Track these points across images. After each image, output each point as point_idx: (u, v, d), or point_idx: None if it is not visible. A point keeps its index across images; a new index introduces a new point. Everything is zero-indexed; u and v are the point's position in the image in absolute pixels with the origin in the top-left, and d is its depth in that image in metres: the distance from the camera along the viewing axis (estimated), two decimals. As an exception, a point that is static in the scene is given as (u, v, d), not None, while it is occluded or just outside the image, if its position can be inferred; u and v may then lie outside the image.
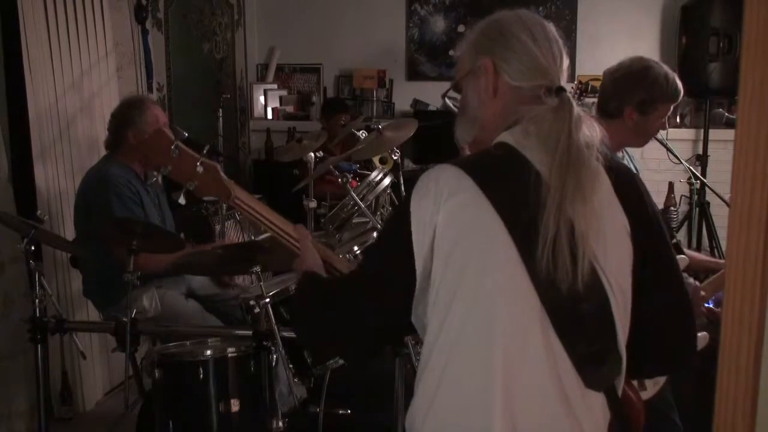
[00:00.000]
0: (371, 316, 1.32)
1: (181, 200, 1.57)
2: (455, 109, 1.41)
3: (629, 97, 2.30)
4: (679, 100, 2.35)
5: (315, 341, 1.47)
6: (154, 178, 2.98)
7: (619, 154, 2.50)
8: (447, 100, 1.42)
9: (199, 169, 1.47)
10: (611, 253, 1.23)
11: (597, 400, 1.25)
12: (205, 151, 1.52)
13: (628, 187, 1.31)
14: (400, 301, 1.27)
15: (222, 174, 1.51)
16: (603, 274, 1.21)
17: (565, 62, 1.33)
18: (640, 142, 2.43)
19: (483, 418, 1.19)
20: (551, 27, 1.34)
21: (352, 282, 1.37)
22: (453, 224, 1.21)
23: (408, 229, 1.23)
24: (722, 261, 2.58)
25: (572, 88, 3.43)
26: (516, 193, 1.20)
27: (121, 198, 2.99)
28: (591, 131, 1.24)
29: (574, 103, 1.25)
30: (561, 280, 1.17)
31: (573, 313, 1.19)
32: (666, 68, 2.33)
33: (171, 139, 1.47)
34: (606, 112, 2.36)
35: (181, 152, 1.46)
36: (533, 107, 1.25)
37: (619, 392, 1.30)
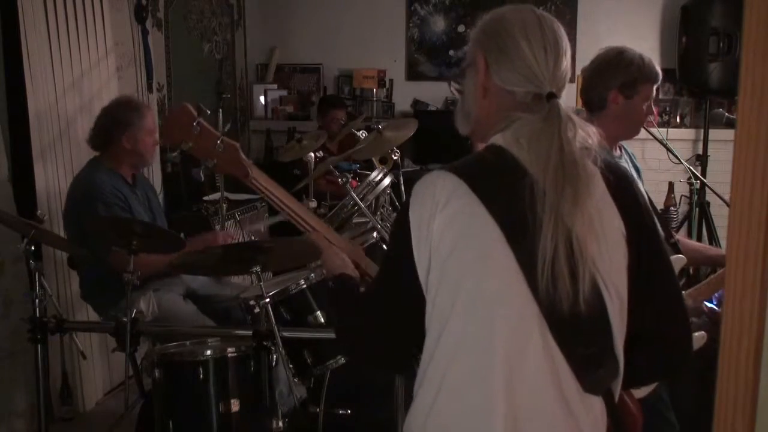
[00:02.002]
0: (393, 331, 1.32)
1: (201, 176, 1.61)
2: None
3: (610, 83, 2.31)
4: (659, 81, 2.34)
5: (351, 355, 1.49)
6: (174, 153, 2.96)
7: (617, 153, 2.49)
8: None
9: (219, 147, 1.49)
10: (607, 255, 1.22)
11: (595, 404, 1.25)
12: (225, 129, 1.55)
13: (623, 189, 1.30)
14: (416, 312, 1.26)
15: (241, 153, 1.52)
16: (600, 278, 1.21)
17: (564, 64, 1.29)
18: (631, 130, 2.42)
19: (485, 424, 1.19)
20: (553, 26, 1.30)
21: (371, 299, 1.37)
22: (450, 231, 1.20)
23: (409, 241, 1.23)
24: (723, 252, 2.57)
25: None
26: (512, 201, 1.19)
27: (108, 206, 2.97)
28: (586, 132, 1.23)
29: (564, 110, 1.23)
30: (562, 299, 1.17)
31: (570, 317, 1.19)
32: (640, 53, 2.33)
33: (194, 115, 1.49)
34: (591, 106, 2.36)
35: (203, 129, 1.48)
36: (524, 115, 1.24)
37: (617, 396, 1.29)
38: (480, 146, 1.35)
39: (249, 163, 1.54)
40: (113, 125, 3.08)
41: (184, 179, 3.87)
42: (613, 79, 2.31)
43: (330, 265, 1.55)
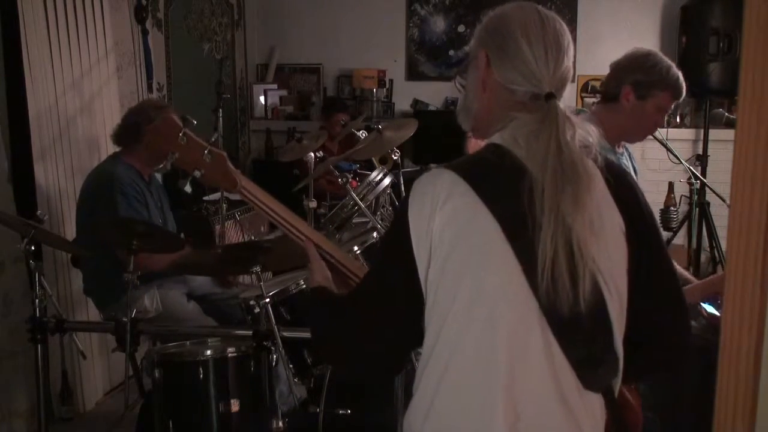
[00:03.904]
0: (384, 333, 1.30)
1: (187, 188, 1.58)
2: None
3: (627, 77, 2.31)
4: (681, 98, 2.33)
5: (334, 362, 1.46)
6: (163, 165, 2.97)
7: (620, 150, 2.48)
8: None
9: (207, 157, 1.47)
10: (607, 254, 1.22)
11: (595, 401, 1.25)
12: (213, 140, 1.53)
13: (623, 187, 1.30)
14: (411, 312, 1.25)
15: (229, 163, 1.51)
16: (600, 277, 1.21)
17: (565, 64, 1.30)
18: (636, 133, 2.40)
19: (486, 420, 1.19)
20: (555, 26, 1.30)
21: (361, 299, 1.35)
22: (450, 228, 1.20)
23: (408, 239, 1.23)
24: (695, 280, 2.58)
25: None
26: (512, 199, 1.19)
27: (126, 197, 3.00)
28: (586, 131, 1.24)
29: (561, 110, 1.23)
30: (562, 299, 1.17)
31: (570, 316, 1.19)
32: (672, 64, 2.33)
33: (179, 126, 1.47)
34: (606, 96, 2.36)
35: (189, 140, 1.47)
36: (521, 115, 1.25)
37: (616, 392, 1.30)
38: (473, 144, 1.35)
39: (237, 172, 1.52)
40: (142, 123, 3.09)
41: (172, 191, 3.88)
42: (631, 74, 2.31)
43: (312, 277, 1.53)
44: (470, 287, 1.20)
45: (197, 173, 1.49)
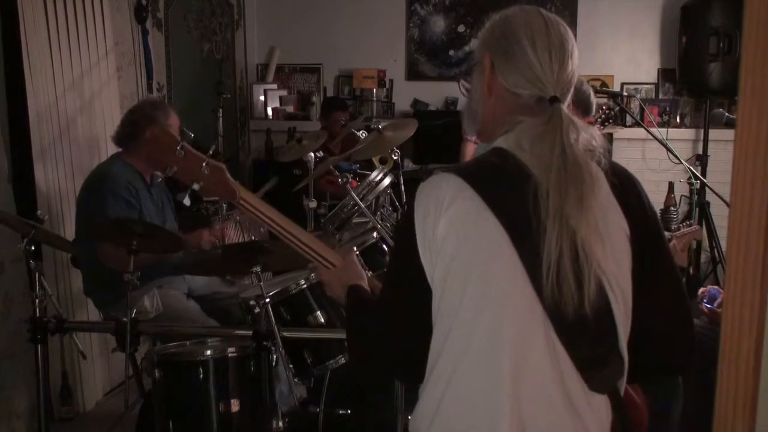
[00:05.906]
0: (405, 334, 1.31)
1: (186, 201, 1.56)
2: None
3: None
4: (590, 115, 2.23)
5: (363, 359, 1.47)
6: (159, 179, 2.97)
7: None
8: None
9: (205, 170, 1.47)
10: (612, 256, 1.22)
11: (601, 403, 1.25)
12: (210, 152, 1.52)
13: (627, 190, 1.30)
14: (426, 313, 1.26)
15: (228, 175, 1.51)
16: (605, 280, 1.21)
17: (570, 68, 1.30)
18: None
19: (492, 424, 1.19)
20: (559, 29, 1.31)
21: (382, 302, 1.37)
22: (454, 233, 1.21)
23: (414, 242, 1.24)
24: None
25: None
26: (517, 203, 1.20)
27: (116, 197, 2.98)
28: (590, 135, 1.24)
29: (566, 114, 1.24)
30: (567, 302, 1.17)
31: (575, 319, 1.19)
32: (584, 81, 2.19)
33: (177, 139, 1.47)
34: None
35: (187, 153, 1.46)
36: (526, 119, 1.25)
37: (622, 392, 1.30)
38: (470, 148, 1.35)
39: (236, 184, 1.52)
40: (139, 120, 3.10)
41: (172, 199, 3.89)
42: None
43: (335, 285, 1.55)
44: (476, 291, 1.20)
45: (196, 186, 1.49)
